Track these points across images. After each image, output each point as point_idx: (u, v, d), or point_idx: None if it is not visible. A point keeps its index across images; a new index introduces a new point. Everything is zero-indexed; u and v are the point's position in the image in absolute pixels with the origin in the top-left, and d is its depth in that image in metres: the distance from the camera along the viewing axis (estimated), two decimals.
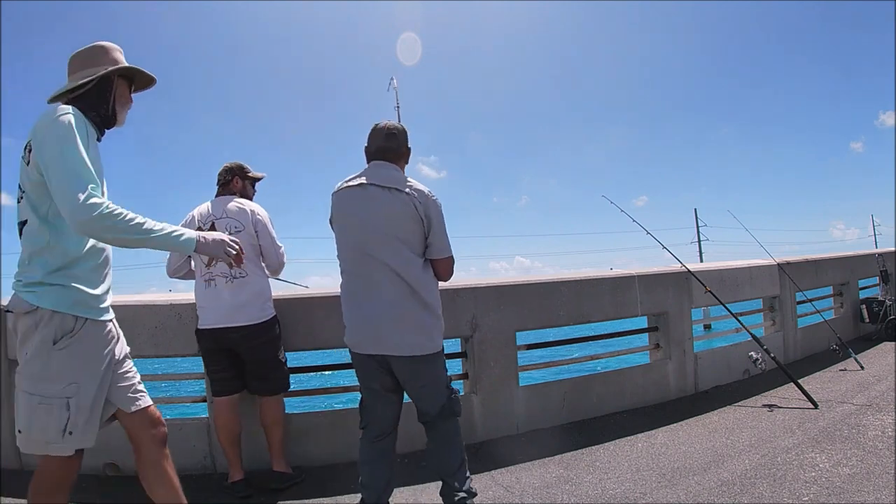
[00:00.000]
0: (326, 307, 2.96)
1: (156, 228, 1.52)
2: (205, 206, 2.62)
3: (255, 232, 2.55)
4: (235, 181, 2.70)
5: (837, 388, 3.82)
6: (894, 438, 2.72)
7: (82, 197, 1.40)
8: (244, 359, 2.59)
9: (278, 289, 2.90)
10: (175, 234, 1.57)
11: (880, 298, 5.56)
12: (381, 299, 1.94)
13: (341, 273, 2.08)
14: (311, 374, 3.37)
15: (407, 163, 2.13)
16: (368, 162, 2.09)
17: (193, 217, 2.60)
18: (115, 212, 1.44)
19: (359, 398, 2.13)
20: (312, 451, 2.89)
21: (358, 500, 2.06)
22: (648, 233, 4.17)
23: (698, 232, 40.61)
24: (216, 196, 2.70)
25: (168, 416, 2.98)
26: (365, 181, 1.99)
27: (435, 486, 2.50)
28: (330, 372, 3.76)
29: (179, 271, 2.72)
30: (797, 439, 2.85)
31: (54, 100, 1.64)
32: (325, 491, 2.52)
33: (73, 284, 1.52)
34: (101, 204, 1.42)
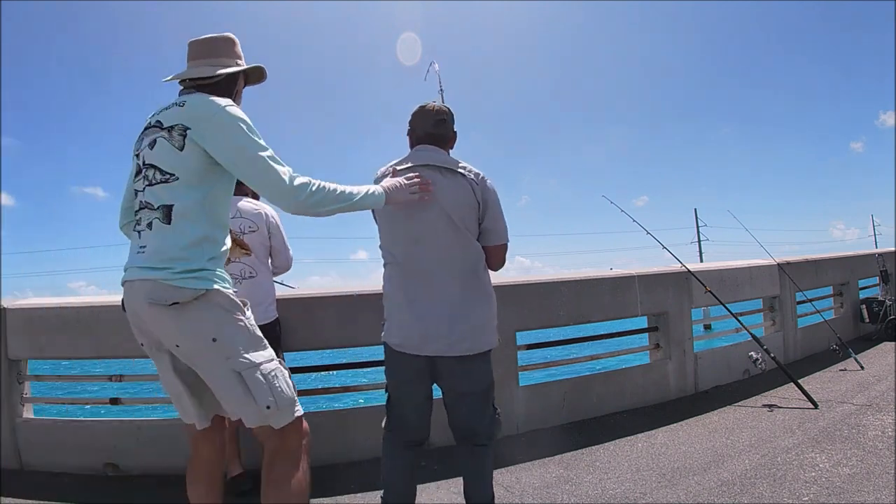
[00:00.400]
0: (326, 307, 2.97)
1: (354, 192, 1.55)
2: None
3: (269, 234, 2.60)
4: None
5: (837, 388, 3.82)
6: (894, 438, 2.73)
7: (287, 178, 1.44)
8: None
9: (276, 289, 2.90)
10: (370, 192, 1.59)
11: (880, 298, 5.56)
12: (444, 292, 1.77)
13: (386, 265, 1.89)
14: (312, 373, 3.37)
15: (453, 147, 1.97)
16: (412, 146, 1.93)
17: None
18: (321, 186, 1.49)
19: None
20: (312, 451, 2.88)
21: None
22: (648, 233, 4.17)
23: (698, 232, 40.62)
24: None
25: (170, 416, 2.99)
26: (419, 163, 1.82)
27: (435, 487, 2.51)
28: (331, 372, 3.76)
29: None
30: (797, 439, 2.85)
31: (172, 80, 1.60)
32: (325, 491, 2.52)
33: (222, 270, 1.51)
34: (309, 182, 1.47)
